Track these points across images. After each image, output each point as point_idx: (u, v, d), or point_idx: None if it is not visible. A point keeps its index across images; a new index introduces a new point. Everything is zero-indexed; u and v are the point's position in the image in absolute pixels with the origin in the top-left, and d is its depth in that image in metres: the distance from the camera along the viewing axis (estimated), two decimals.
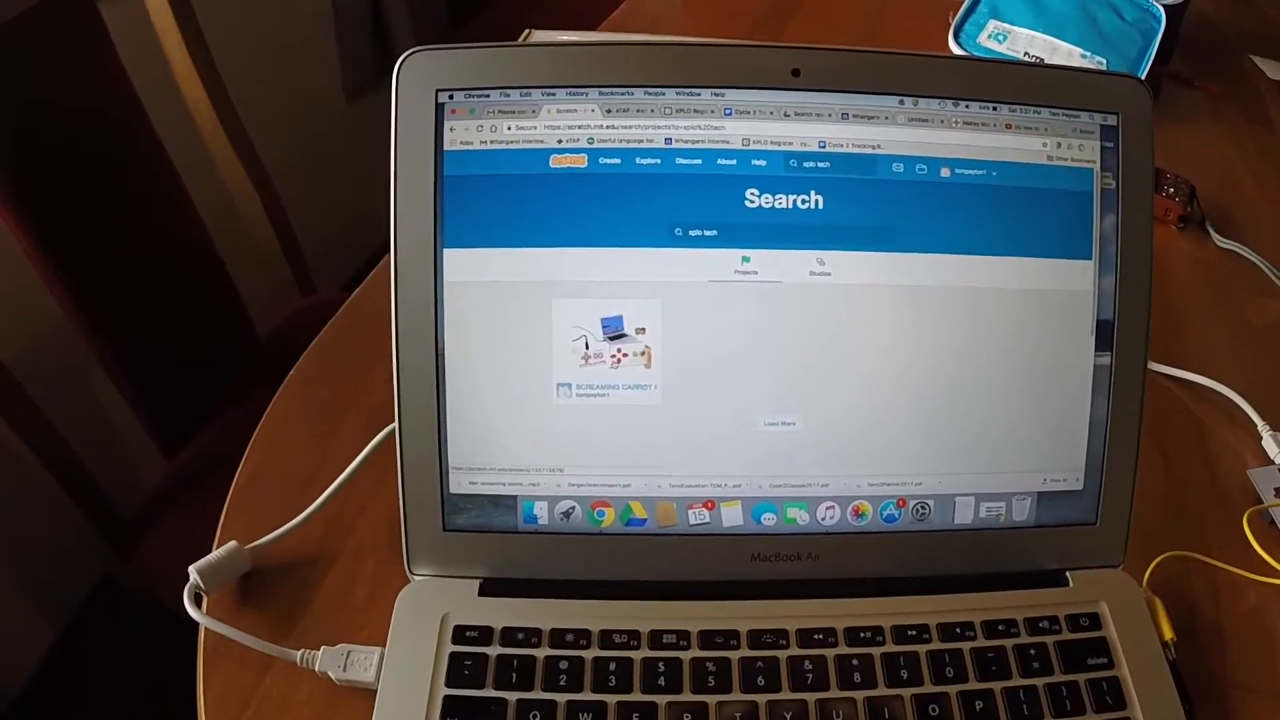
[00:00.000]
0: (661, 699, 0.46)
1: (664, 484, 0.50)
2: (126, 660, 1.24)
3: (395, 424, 0.49)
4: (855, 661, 0.48)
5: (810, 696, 0.46)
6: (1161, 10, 0.91)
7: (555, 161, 0.48)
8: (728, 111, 0.48)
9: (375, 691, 0.47)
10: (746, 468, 0.50)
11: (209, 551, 0.54)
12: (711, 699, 0.46)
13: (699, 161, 0.48)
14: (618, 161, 0.48)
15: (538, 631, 0.48)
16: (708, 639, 0.48)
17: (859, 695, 0.47)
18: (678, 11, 1.21)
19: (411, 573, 0.51)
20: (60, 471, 0.93)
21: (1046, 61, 0.91)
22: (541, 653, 0.47)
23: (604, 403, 0.49)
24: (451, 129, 0.48)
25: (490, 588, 0.50)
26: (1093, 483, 0.52)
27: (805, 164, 0.49)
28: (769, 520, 0.51)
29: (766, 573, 0.51)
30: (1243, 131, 0.98)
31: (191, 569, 0.52)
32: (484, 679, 0.47)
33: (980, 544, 0.52)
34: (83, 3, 0.93)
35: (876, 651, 0.48)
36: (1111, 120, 0.50)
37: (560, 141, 0.48)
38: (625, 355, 0.49)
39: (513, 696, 0.46)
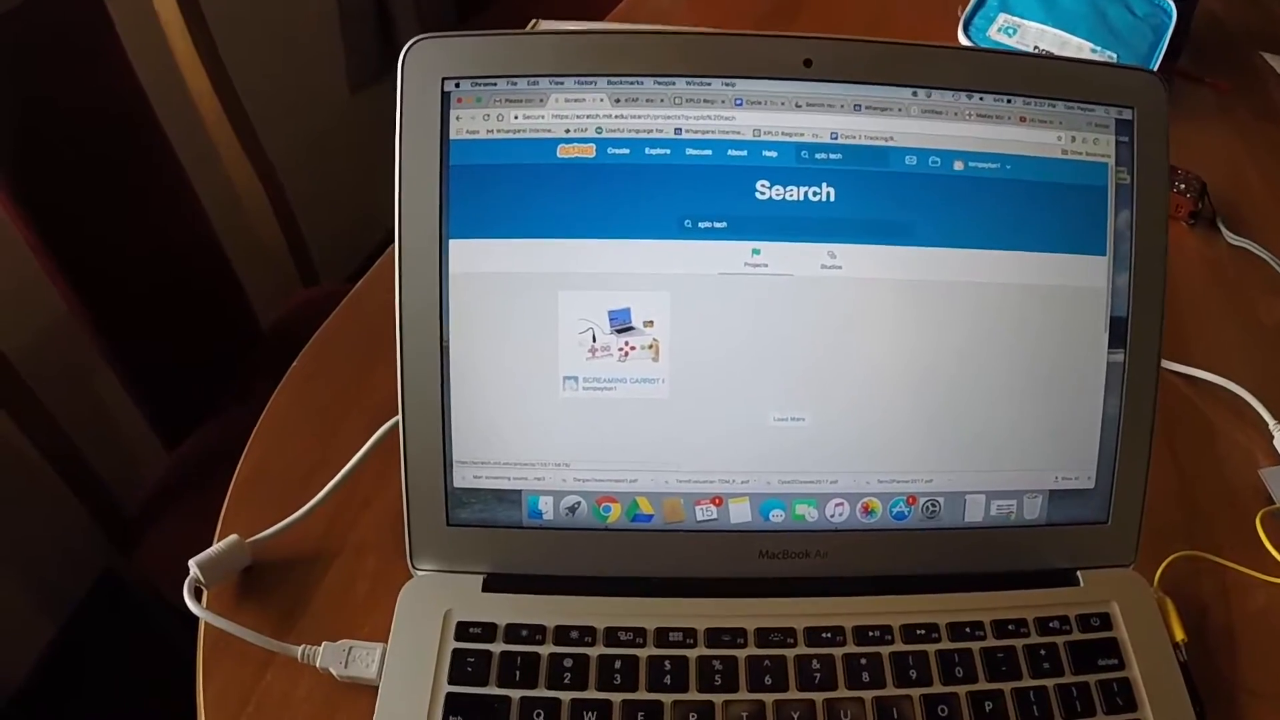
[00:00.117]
0: (667, 698, 0.45)
1: (671, 479, 0.49)
2: (127, 655, 1.24)
3: (398, 417, 0.48)
4: (864, 661, 0.47)
5: (818, 696, 0.46)
6: (1173, 6, 0.90)
7: (563, 151, 0.47)
8: (738, 102, 0.47)
9: (377, 688, 0.46)
10: (755, 463, 0.49)
11: (210, 546, 0.53)
12: (718, 698, 0.45)
13: (709, 152, 0.47)
14: (626, 152, 0.47)
15: (542, 628, 0.47)
16: (714, 637, 0.47)
17: (867, 695, 0.46)
18: (682, 7, 1.20)
19: (414, 568, 0.50)
20: (62, 466, 0.93)
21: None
22: (546, 650, 0.47)
23: (611, 396, 0.48)
24: (458, 118, 0.47)
25: (494, 584, 0.49)
26: (1104, 481, 0.51)
27: (817, 155, 0.48)
28: (777, 517, 0.50)
29: (774, 570, 0.50)
30: (1252, 128, 0.97)
31: (191, 563, 0.52)
32: (487, 676, 0.46)
33: (991, 542, 0.51)
34: None
35: (885, 651, 0.47)
36: (1126, 114, 0.49)
37: (568, 131, 0.47)
38: (633, 348, 0.48)
39: (516, 694, 0.45)
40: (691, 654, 0.47)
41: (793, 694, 0.46)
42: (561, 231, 0.47)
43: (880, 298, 0.48)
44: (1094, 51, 0.90)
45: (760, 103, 0.47)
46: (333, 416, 0.63)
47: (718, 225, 0.48)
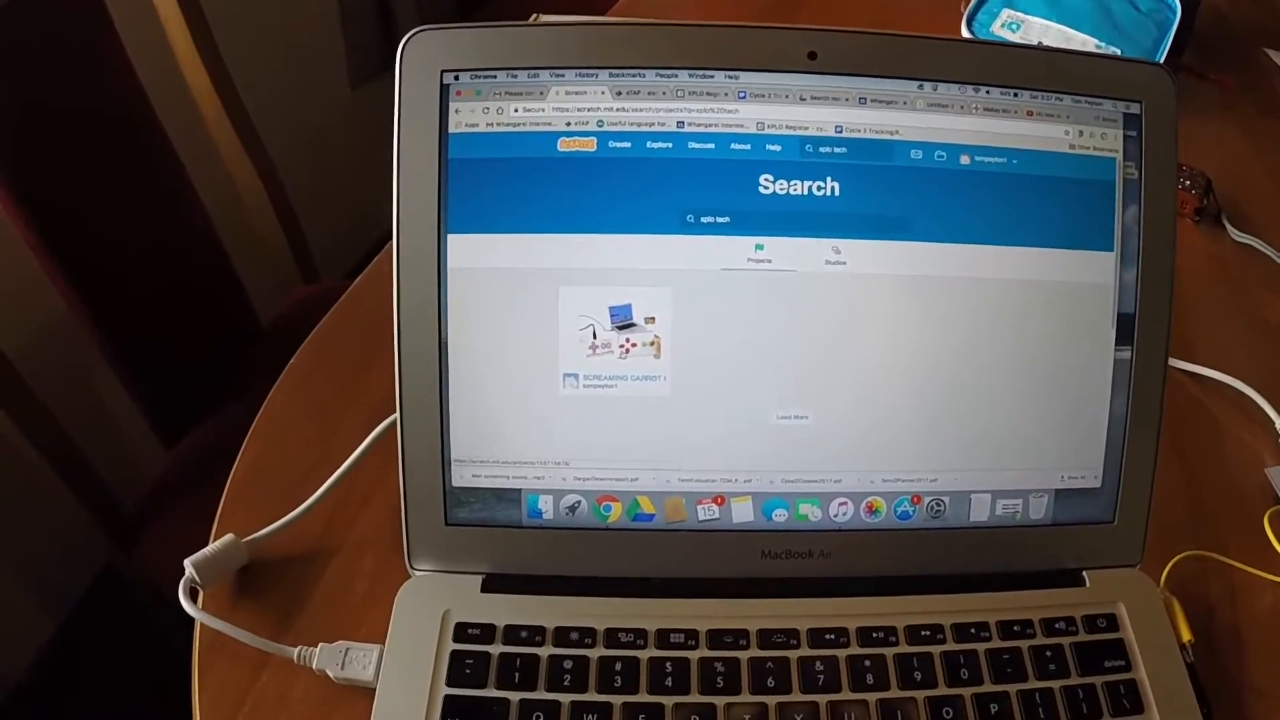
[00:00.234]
0: (669, 700, 0.44)
1: (673, 478, 0.49)
2: (126, 652, 1.23)
3: (396, 415, 0.47)
4: (868, 663, 0.46)
5: (821, 699, 0.45)
6: (1177, 2, 0.89)
7: (563, 145, 0.46)
8: (742, 95, 0.46)
9: (374, 690, 0.45)
10: (757, 462, 0.48)
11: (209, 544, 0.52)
12: (720, 700, 0.44)
13: (712, 146, 0.46)
14: (628, 145, 0.46)
15: (541, 630, 0.46)
16: (716, 638, 0.46)
17: (871, 697, 0.45)
18: (685, 2, 1.19)
19: (412, 568, 0.49)
20: (61, 464, 0.93)
21: None
22: (545, 651, 0.46)
23: (611, 394, 0.47)
24: (457, 110, 0.46)
25: (493, 584, 0.48)
26: (1111, 480, 0.50)
27: (821, 149, 0.47)
28: (780, 516, 0.49)
29: (777, 570, 0.49)
30: (1256, 125, 0.97)
31: (187, 562, 0.51)
32: (486, 678, 0.45)
33: (996, 542, 0.50)
34: None
35: (889, 652, 0.46)
36: (1134, 108, 0.49)
37: (569, 124, 0.46)
38: (634, 345, 0.47)
39: (515, 697, 0.44)
40: (693, 656, 0.46)
41: (796, 696, 0.45)
42: (562, 226, 0.46)
43: (885, 294, 0.48)
44: (1098, 47, 0.89)
45: (764, 95, 0.47)
46: (331, 414, 0.62)
47: (720, 220, 0.47)
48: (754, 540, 0.49)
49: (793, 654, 0.46)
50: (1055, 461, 0.50)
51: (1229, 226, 0.82)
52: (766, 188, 0.47)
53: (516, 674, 0.45)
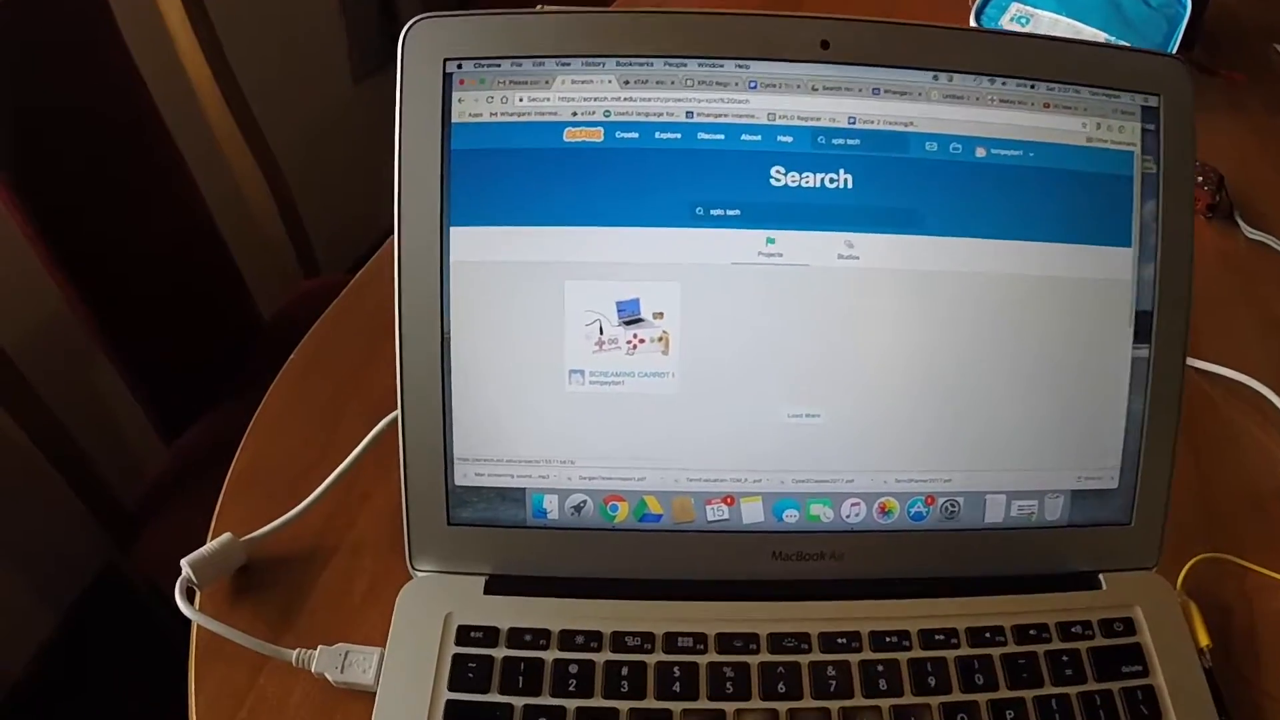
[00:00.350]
0: (677, 706, 0.43)
1: (681, 478, 0.47)
2: (127, 650, 1.22)
3: (397, 412, 0.46)
4: (880, 668, 0.45)
5: (833, 705, 0.43)
6: None
7: (569, 135, 0.45)
8: (752, 84, 0.45)
9: (374, 694, 0.44)
10: (768, 461, 0.47)
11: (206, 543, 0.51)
12: (729, 706, 0.43)
13: (722, 137, 0.45)
14: (636, 136, 0.45)
15: (546, 633, 0.45)
16: (726, 642, 0.45)
17: (884, 704, 0.44)
18: None
19: (414, 569, 0.48)
20: (61, 461, 0.91)
21: None
22: (550, 655, 0.45)
23: (618, 391, 0.46)
24: (460, 100, 0.45)
25: (496, 585, 0.47)
26: (1128, 481, 0.49)
27: (834, 141, 0.45)
28: (791, 517, 0.48)
29: (788, 572, 0.48)
30: (1266, 122, 0.95)
31: (184, 562, 0.50)
32: (489, 683, 0.44)
33: (1011, 544, 0.49)
34: None
35: (903, 657, 0.45)
36: (1152, 101, 0.47)
37: (575, 114, 0.45)
38: (641, 341, 0.46)
39: (519, 702, 0.43)
40: (702, 660, 0.44)
41: (807, 702, 0.43)
42: (568, 219, 0.45)
43: (898, 289, 0.46)
44: (1108, 41, 0.87)
45: (775, 85, 0.45)
46: (331, 411, 0.60)
47: (730, 213, 0.45)
48: (764, 541, 0.48)
49: (804, 658, 0.45)
50: (1071, 462, 0.48)
51: (1241, 223, 0.80)
52: (778, 180, 0.45)
53: (520, 678, 0.44)
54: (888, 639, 0.46)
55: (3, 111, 0.81)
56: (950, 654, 0.45)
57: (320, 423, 0.60)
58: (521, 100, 0.45)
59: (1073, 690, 0.44)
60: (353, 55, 1.72)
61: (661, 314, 0.45)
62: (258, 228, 1.17)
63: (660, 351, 0.46)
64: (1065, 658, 0.46)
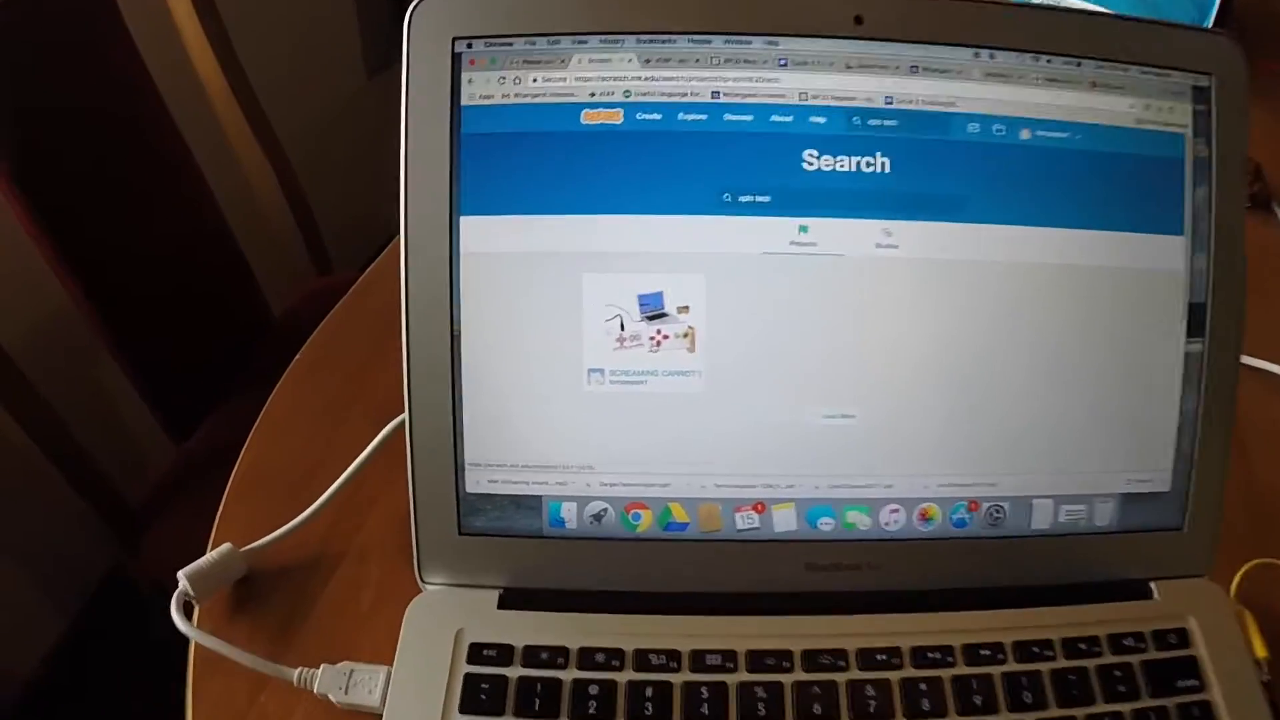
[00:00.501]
0: None
1: (708, 484, 0.44)
2: (133, 654, 1.18)
3: (405, 415, 0.43)
4: (923, 686, 0.41)
5: None
6: None
7: (587, 117, 0.41)
8: (782, 62, 0.41)
9: (380, 716, 0.40)
10: (801, 466, 0.43)
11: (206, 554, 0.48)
12: None
13: (750, 118, 0.41)
14: (658, 117, 0.41)
15: (564, 650, 0.42)
16: (757, 660, 0.41)
17: None
18: None
19: (423, 581, 0.44)
20: (66, 463, 0.89)
21: None
22: (568, 675, 0.41)
23: (641, 391, 0.43)
24: (470, 81, 0.41)
25: (511, 599, 0.44)
26: (1180, 483, 0.45)
27: (870, 122, 0.42)
28: (826, 525, 0.44)
29: (823, 584, 0.44)
30: None
31: (181, 574, 0.47)
32: (503, 704, 0.40)
33: (1059, 551, 0.45)
34: None
35: (946, 674, 0.41)
36: (1204, 81, 0.44)
37: (593, 95, 0.41)
38: (665, 337, 0.42)
39: None
40: (731, 680, 0.41)
41: None
42: (586, 207, 0.42)
43: (939, 281, 0.42)
44: None
45: (806, 63, 0.41)
46: (336, 414, 0.57)
47: (760, 199, 0.42)
48: (797, 551, 0.44)
49: (841, 677, 0.41)
50: (1121, 463, 0.45)
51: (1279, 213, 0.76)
52: (810, 164, 0.41)
53: (537, 700, 0.40)
54: (930, 655, 0.42)
55: (9, 109, 0.79)
56: (997, 670, 0.42)
57: (325, 426, 0.56)
58: (535, 81, 0.41)
59: (1126, 708, 0.41)
60: (366, 48, 1.68)
61: (687, 308, 0.42)
62: (268, 225, 1.14)
63: (685, 348, 0.42)
64: (1118, 673, 0.42)
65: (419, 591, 0.44)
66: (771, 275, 0.42)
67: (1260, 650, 0.44)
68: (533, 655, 0.41)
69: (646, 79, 0.41)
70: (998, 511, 0.44)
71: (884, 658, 0.42)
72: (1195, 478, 0.45)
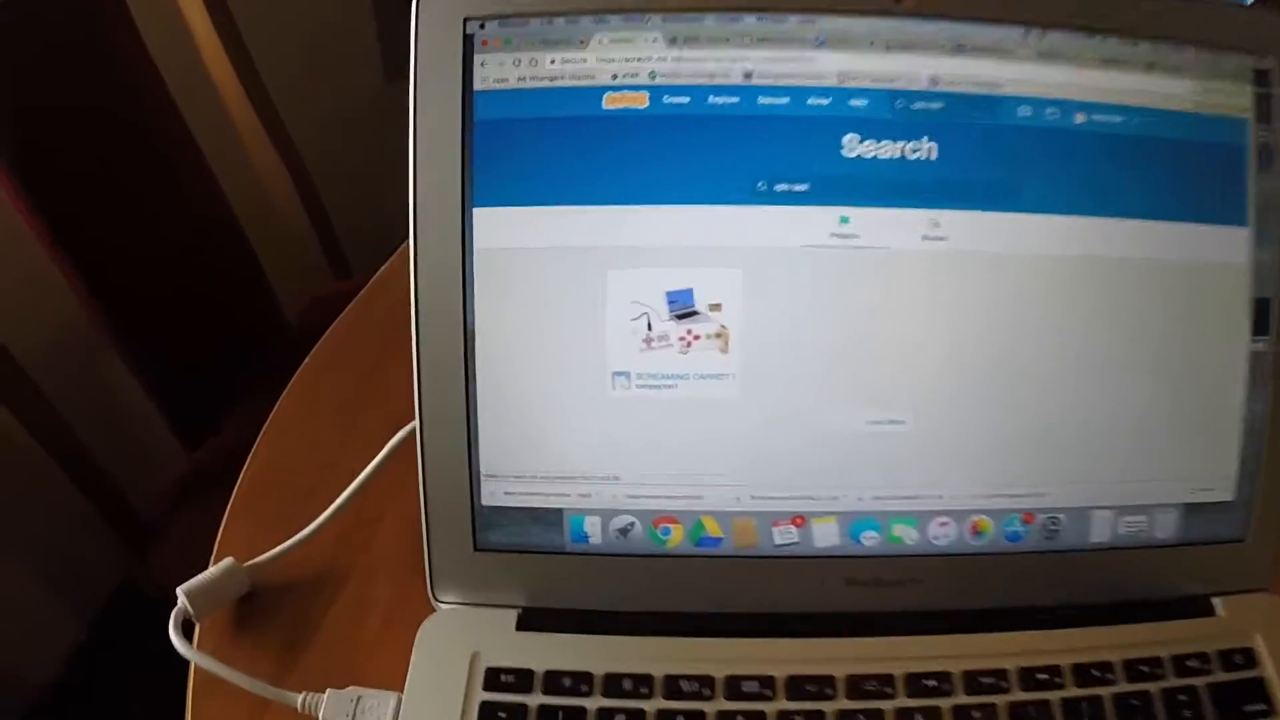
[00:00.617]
0: None
1: (743, 495, 0.40)
2: (144, 665, 1.15)
3: (416, 423, 0.40)
4: (976, 714, 0.38)
5: None
6: None
7: (609, 101, 0.38)
8: (820, 41, 0.38)
9: None
10: (844, 476, 0.40)
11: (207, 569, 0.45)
12: None
13: (786, 101, 0.38)
14: (686, 101, 0.38)
15: (588, 676, 0.39)
16: (797, 686, 0.38)
17: None
18: None
19: (436, 600, 0.42)
20: (77, 471, 0.86)
21: None
22: (593, 703, 0.38)
23: (670, 396, 0.39)
24: (483, 64, 0.38)
25: (530, 620, 0.41)
26: (1245, 492, 0.41)
27: (914, 105, 0.38)
28: (870, 539, 0.41)
29: (867, 603, 0.41)
30: None
31: (180, 591, 0.44)
32: None
33: (1118, 566, 0.42)
34: None
35: (1001, 701, 0.38)
36: (1266, 63, 0.40)
37: (615, 77, 0.38)
38: (696, 337, 0.39)
39: None
40: (770, 708, 0.38)
41: None
42: (609, 197, 0.38)
43: (992, 275, 0.39)
44: None
45: (845, 42, 0.38)
46: (345, 422, 0.54)
47: (798, 188, 0.38)
48: (839, 567, 0.41)
49: (888, 705, 0.38)
50: (1183, 471, 0.41)
51: None
52: (851, 150, 0.38)
53: None
54: (983, 679, 0.38)
55: (18, 110, 0.76)
56: (1055, 695, 0.38)
57: (333, 435, 0.53)
58: (553, 63, 0.38)
59: None
60: (385, 51, 1.65)
61: (719, 306, 0.39)
62: (284, 228, 1.12)
63: (718, 349, 0.39)
64: (1182, 697, 0.38)
65: (431, 611, 0.41)
66: (811, 270, 0.38)
67: None
68: (554, 681, 0.38)
69: (673, 59, 0.38)
70: (1054, 524, 0.40)
71: (934, 683, 0.38)
72: (1263, 485, 0.41)
